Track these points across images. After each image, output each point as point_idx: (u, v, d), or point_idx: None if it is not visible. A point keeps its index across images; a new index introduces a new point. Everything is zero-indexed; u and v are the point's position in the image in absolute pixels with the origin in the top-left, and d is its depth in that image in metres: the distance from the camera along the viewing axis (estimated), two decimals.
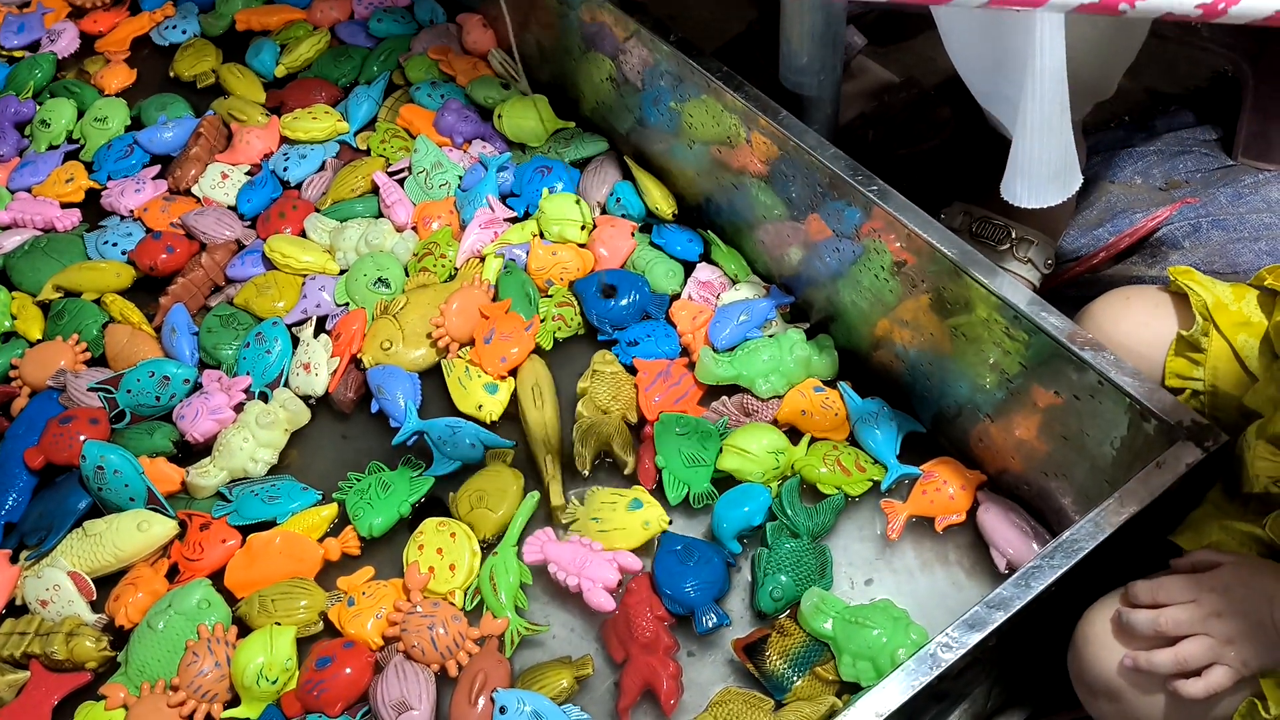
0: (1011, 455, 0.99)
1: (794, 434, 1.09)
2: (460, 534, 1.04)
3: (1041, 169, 0.92)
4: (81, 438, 1.11)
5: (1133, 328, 0.93)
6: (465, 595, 1.02)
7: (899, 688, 0.71)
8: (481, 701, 0.94)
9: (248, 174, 1.38)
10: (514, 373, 1.15)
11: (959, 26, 1.02)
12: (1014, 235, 1.15)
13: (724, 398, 1.11)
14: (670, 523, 1.03)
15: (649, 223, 1.26)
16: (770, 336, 1.13)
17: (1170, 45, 1.38)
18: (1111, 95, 1.10)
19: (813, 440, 1.08)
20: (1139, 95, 1.39)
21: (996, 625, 0.72)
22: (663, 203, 1.24)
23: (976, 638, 0.71)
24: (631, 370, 1.13)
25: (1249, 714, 0.74)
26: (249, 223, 1.34)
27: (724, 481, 1.06)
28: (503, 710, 0.92)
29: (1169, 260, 1.24)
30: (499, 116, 1.36)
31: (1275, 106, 1.27)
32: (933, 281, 0.96)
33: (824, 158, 0.99)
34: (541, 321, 1.17)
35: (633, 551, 1.02)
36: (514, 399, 1.14)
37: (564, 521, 1.05)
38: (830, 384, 1.11)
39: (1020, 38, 0.88)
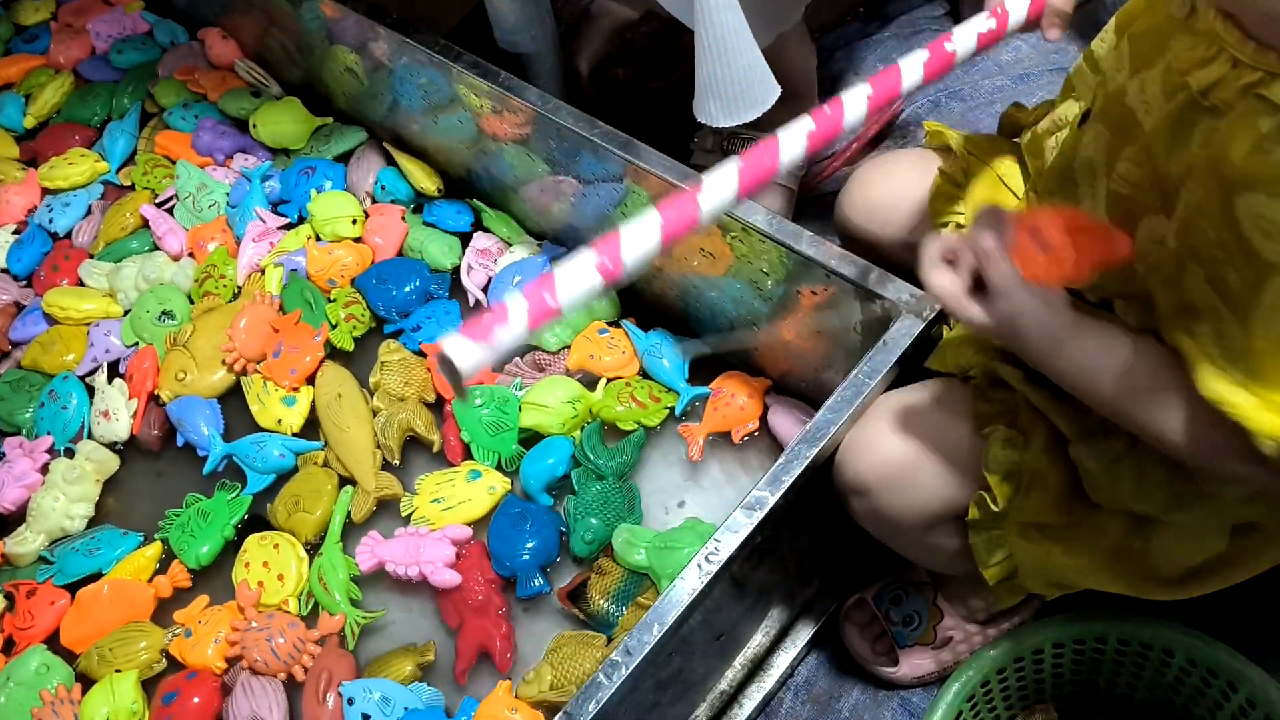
0: (785, 357, 1.04)
1: (591, 379, 1.12)
2: (283, 543, 1.06)
3: (730, 88, 0.95)
4: None
5: (898, 186, 0.97)
6: (299, 601, 1.04)
7: (686, 586, 0.76)
8: (330, 698, 0.97)
9: (14, 233, 1.36)
10: (313, 381, 1.16)
11: None
12: None
13: (515, 359, 1.14)
14: (511, 484, 1.07)
15: (419, 203, 1.28)
16: None
17: None
18: (802, 13, 1.13)
19: (608, 382, 1.11)
20: None
21: (761, 517, 0.77)
22: (426, 181, 1.26)
23: (737, 540, 0.76)
24: (422, 355, 1.15)
25: (979, 504, 0.80)
26: (24, 282, 1.32)
27: (533, 440, 1.09)
28: (350, 702, 0.95)
29: (918, 139, 1.29)
30: (255, 125, 1.35)
31: None
32: None
33: (547, 111, 1.02)
34: (334, 327, 1.18)
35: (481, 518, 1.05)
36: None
37: (404, 514, 1.07)
38: (615, 324, 1.14)
39: None
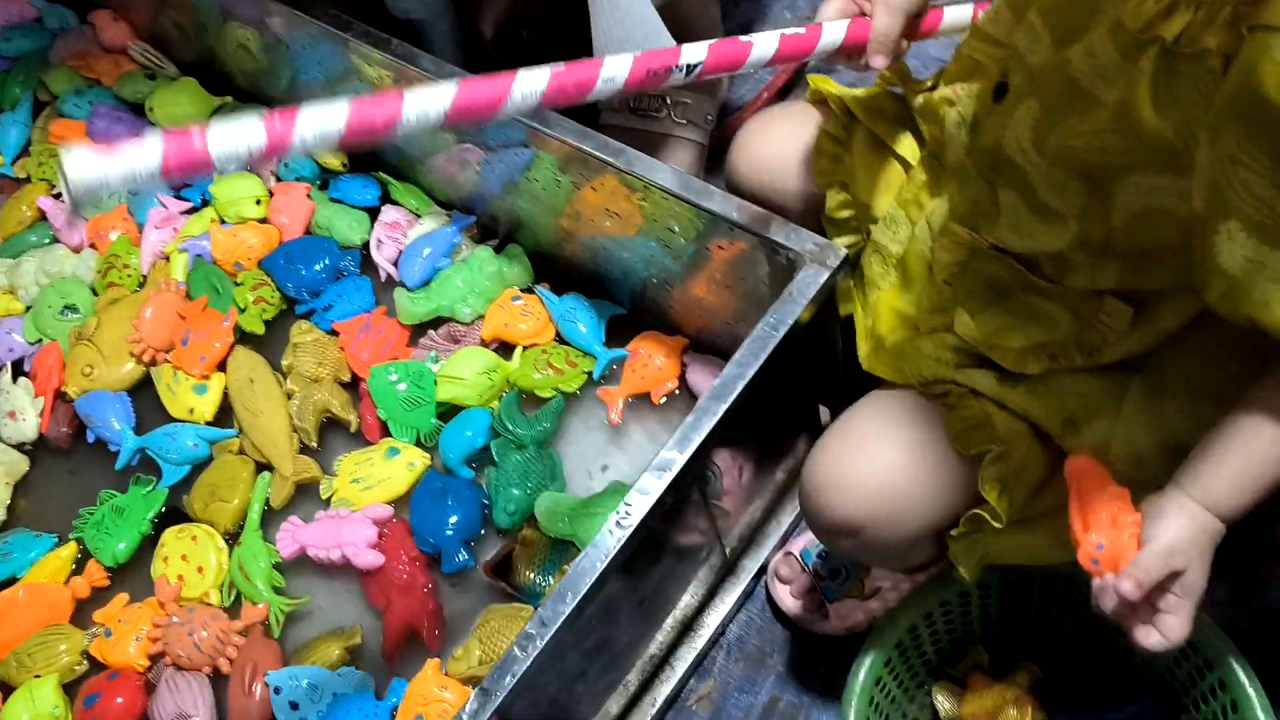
0: (699, 314, 1.03)
1: (508, 349, 1.10)
2: (201, 534, 1.03)
3: (624, 44, 0.94)
4: None
5: (782, 142, 0.95)
6: (221, 592, 1.02)
7: (598, 553, 0.75)
8: (257, 689, 0.95)
9: None
10: (224, 367, 1.14)
11: None
12: (669, 101, 1.17)
13: (430, 332, 1.12)
14: (431, 459, 1.05)
15: (324, 179, 1.25)
16: (462, 261, 1.14)
17: None
18: None
19: (525, 349, 1.09)
20: None
21: (671, 479, 0.76)
22: (330, 156, 1.23)
23: (648, 503, 0.75)
24: (335, 334, 1.13)
25: (972, 520, 0.78)
26: None
27: (451, 413, 1.07)
28: (277, 691, 0.94)
29: None
30: (151, 109, 1.31)
31: None
32: (589, 174, 0.97)
33: (443, 78, 0.99)
34: (242, 310, 1.16)
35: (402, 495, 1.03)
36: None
37: (324, 497, 1.05)
38: (528, 291, 1.12)
39: None
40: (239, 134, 0.60)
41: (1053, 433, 0.77)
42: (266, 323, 1.16)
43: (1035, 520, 0.79)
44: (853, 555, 0.86)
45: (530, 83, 0.66)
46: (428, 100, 0.64)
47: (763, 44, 0.71)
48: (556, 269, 1.13)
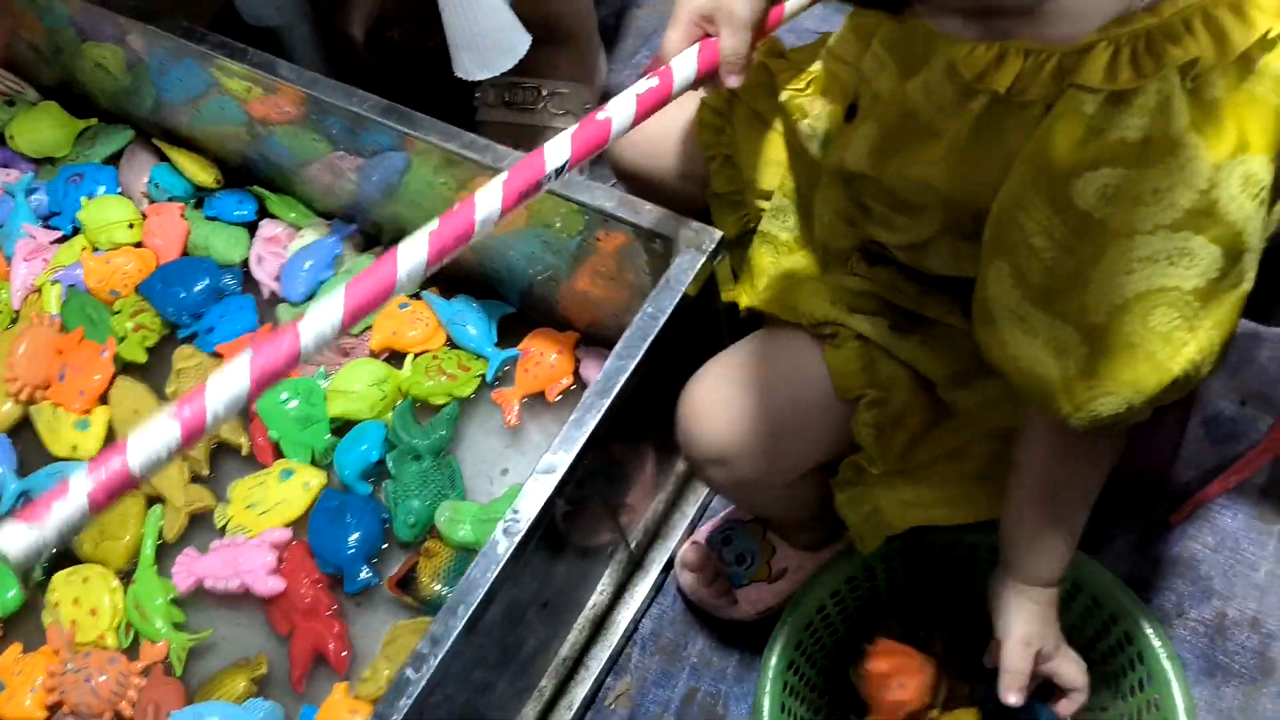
0: (588, 307, 1.01)
1: (399, 357, 1.08)
2: (93, 576, 1.00)
3: (480, 39, 0.92)
4: None
5: (661, 118, 0.91)
6: (118, 633, 0.98)
7: (488, 563, 0.73)
8: None
9: None
10: (106, 400, 1.10)
11: None
12: (544, 92, 1.15)
13: None
14: (327, 477, 1.02)
15: (199, 197, 1.21)
16: (346, 271, 1.11)
17: None
18: None
19: (415, 356, 1.07)
20: None
21: (557, 481, 0.74)
22: (202, 173, 1.19)
23: (535, 507, 0.73)
24: (219, 357, 1.10)
25: (851, 466, 0.79)
26: None
27: (345, 428, 1.04)
28: None
29: None
30: (11, 136, 1.27)
31: None
32: (463, 175, 0.95)
33: (303, 85, 0.97)
34: (121, 340, 1.12)
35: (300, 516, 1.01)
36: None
37: (219, 525, 1.02)
38: (415, 296, 1.10)
39: None
40: (159, 440, 0.57)
41: (938, 383, 0.77)
42: (148, 350, 1.13)
43: (917, 473, 0.79)
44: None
45: (412, 255, 0.66)
46: (322, 317, 0.62)
47: (621, 112, 0.69)
48: (443, 272, 1.09)
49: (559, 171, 0.68)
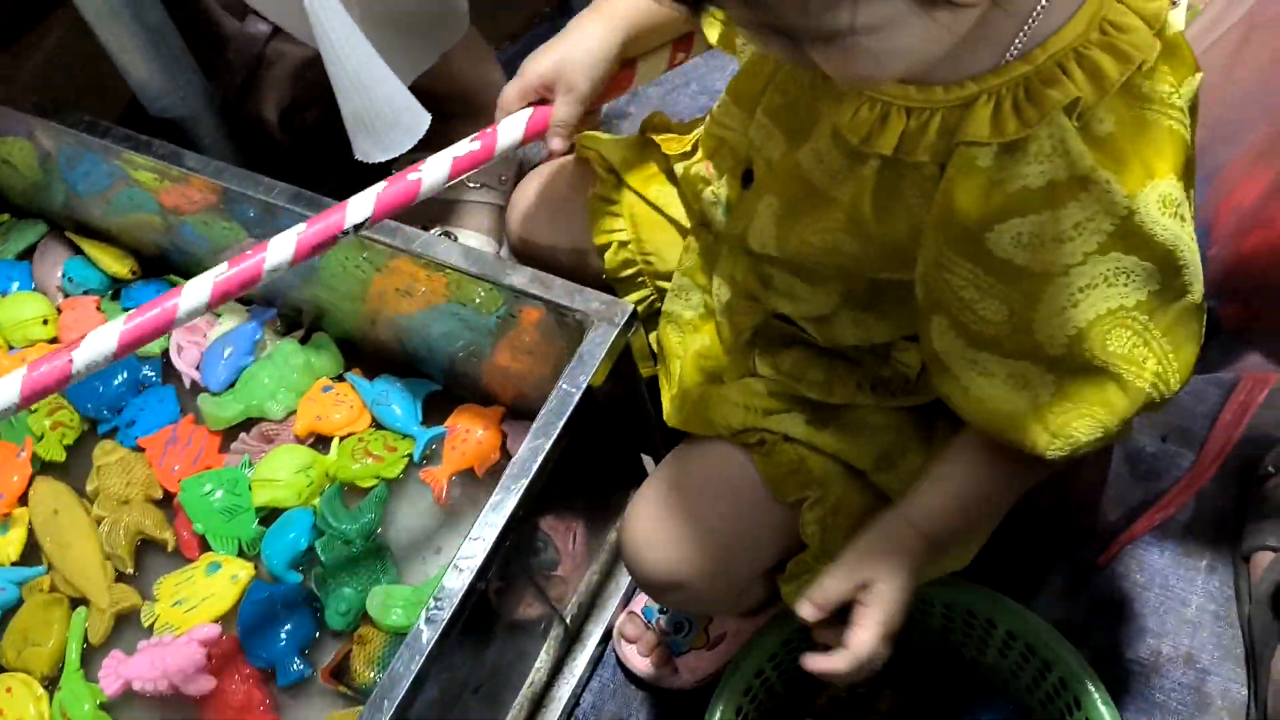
0: (511, 382, 1.01)
1: (326, 441, 1.07)
2: (16, 685, 0.97)
3: (376, 121, 0.92)
4: None
5: (557, 196, 0.94)
6: None
7: (411, 654, 0.72)
8: None
9: None
10: (26, 501, 1.07)
11: None
12: None
13: (242, 435, 1.08)
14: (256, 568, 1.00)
15: (115, 289, 1.20)
16: (266, 357, 1.10)
17: None
18: (462, 34, 1.10)
19: (341, 440, 1.06)
20: None
21: (478, 567, 0.73)
22: (117, 265, 1.18)
23: (456, 596, 0.72)
24: (141, 450, 1.08)
25: (798, 565, 0.78)
26: None
27: (272, 517, 1.03)
28: None
29: (620, 129, 1.27)
30: None
31: None
32: (376, 259, 0.95)
33: (209, 174, 0.96)
34: (39, 438, 1.10)
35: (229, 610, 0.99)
36: None
37: (146, 624, 1.00)
38: (339, 379, 1.09)
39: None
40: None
41: (867, 470, 0.77)
42: (67, 448, 1.10)
43: None
44: (685, 607, 0.85)
45: (195, 294, 0.68)
46: (97, 344, 0.69)
47: (434, 172, 0.70)
48: (366, 353, 1.10)
49: (358, 227, 0.71)
